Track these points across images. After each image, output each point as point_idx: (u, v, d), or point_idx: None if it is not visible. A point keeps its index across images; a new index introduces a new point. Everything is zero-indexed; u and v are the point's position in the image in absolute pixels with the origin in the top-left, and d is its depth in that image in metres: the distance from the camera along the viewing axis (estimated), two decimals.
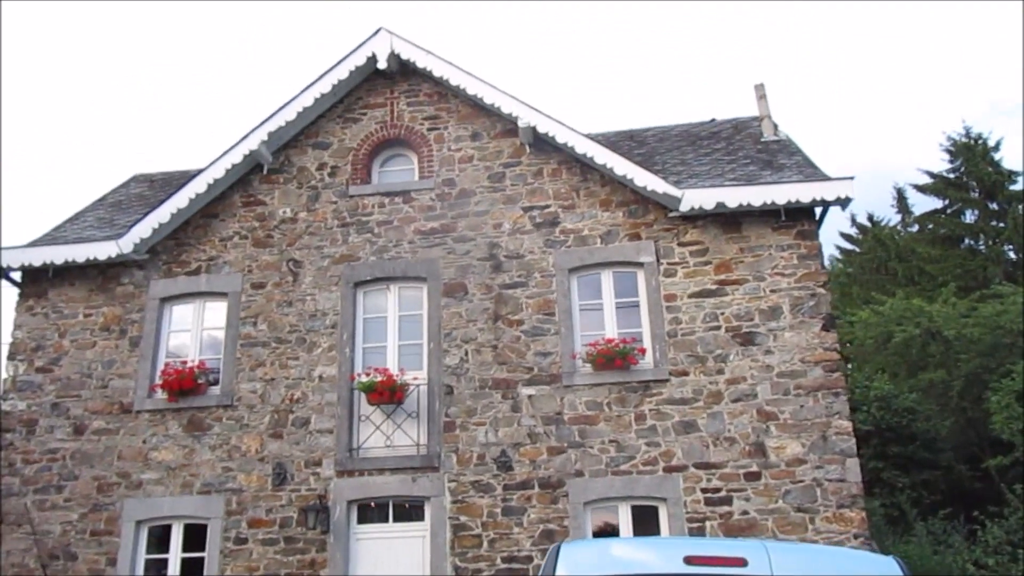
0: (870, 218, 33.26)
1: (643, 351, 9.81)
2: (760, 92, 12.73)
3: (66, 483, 10.18)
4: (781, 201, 9.87)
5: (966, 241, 27.18)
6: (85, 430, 10.38)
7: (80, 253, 10.67)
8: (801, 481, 9.24)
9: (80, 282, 11.02)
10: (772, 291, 9.93)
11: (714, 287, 10.02)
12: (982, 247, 26.45)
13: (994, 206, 26.47)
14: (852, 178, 9.88)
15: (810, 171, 10.60)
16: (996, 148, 26.73)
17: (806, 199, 9.84)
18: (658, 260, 10.17)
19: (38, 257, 10.80)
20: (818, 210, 10.22)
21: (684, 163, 11.77)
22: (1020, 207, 25.47)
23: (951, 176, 27.81)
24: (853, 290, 30.20)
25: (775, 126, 12.41)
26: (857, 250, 33.38)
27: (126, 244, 10.59)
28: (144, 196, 12.96)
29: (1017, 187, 26.00)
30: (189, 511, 9.89)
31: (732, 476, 9.35)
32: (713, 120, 13.53)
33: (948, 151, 27.90)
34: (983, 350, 21.04)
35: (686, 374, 9.73)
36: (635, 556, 3.42)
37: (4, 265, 10.73)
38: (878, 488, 20.67)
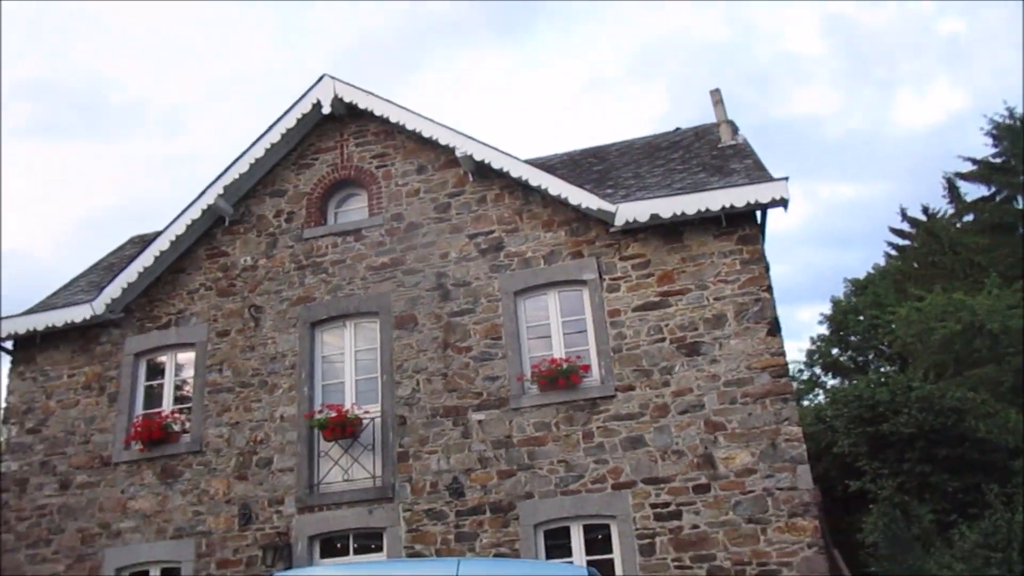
0: (925, 210, 32.28)
1: (586, 368, 9.96)
2: (716, 97, 12.82)
3: (54, 537, 10.93)
4: (715, 207, 9.94)
5: (1020, 229, 26.11)
6: (70, 485, 11.12)
7: (59, 318, 11.52)
8: (751, 492, 9.19)
9: (64, 345, 11.87)
10: (716, 299, 9.97)
11: (657, 299, 10.12)
12: None
13: None
14: (786, 179, 9.88)
15: (757, 174, 10.61)
16: None
17: (740, 203, 9.88)
18: (600, 276, 10.33)
19: (23, 325, 11.70)
20: (759, 213, 10.21)
21: (637, 176, 11.91)
22: None
23: (997, 161, 26.84)
24: (907, 287, 29.30)
25: (734, 131, 12.45)
26: (912, 245, 32.44)
27: (99, 306, 11.37)
28: (135, 257, 13.75)
29: None
30: (163, 556, 10.48)
31: (681, 490, 9.37)
32: (677, 129, 13.63)
33: (991, 135, 26.96)
34: None
35: (632, 389, 9.82)
36: None
37: None
38: (928, 494, 19.91)
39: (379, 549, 9.99)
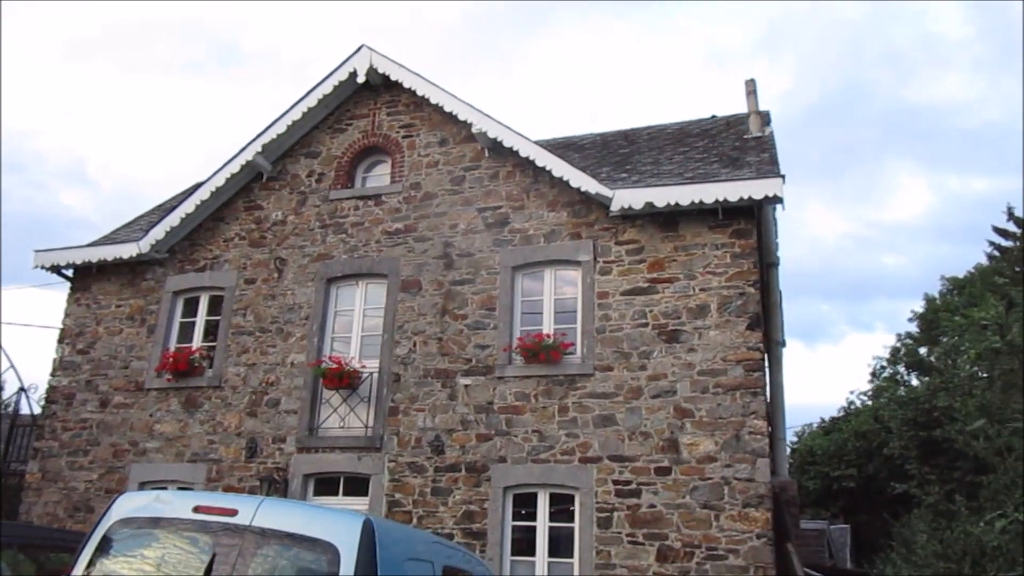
0: None
1: (566, 346, 10.60)
2: (750, 88, 12.99)
3: (91, 448, 12.47)
4: (708, 200, 10.32)
5: None
6: (108, 404, 12.63)
7: (109, 253, 12.96)
8: (710, 479, 9.71)
9: (115, 278, 13.35)
10: (702, 290, 10.40)
11: (646, 285, 10.63)
12: None
13: None
14: (781, 176, 10.14)
15: (766, 169, 10.91)
16: None
17: (733, 198, 10.24)
18: (595, 259, 10.90)
19: (80, 256, 13.21)
20: (764, 210, 10.55)
21: (656, 162, 12.34)
22: None
23: None
24: (1013, 291, 28.19)
25: (764, 123, 12.67)
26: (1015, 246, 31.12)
27: (144, 245, 12.73)
28: (180, 204, 15.11)
29: None
30: (180, 476, 11.83)
31: (643, 470, 9.97)
32: (713, 117, 13.88)
33: None
34: None
35: (610, 369, 10.42)
36: (165, 505, 4.64)
37: (53, 264, 13.18)
38: (977, 505, 19.61)
39: (364, 493, 11.01)
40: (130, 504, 4.70)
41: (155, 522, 4.56)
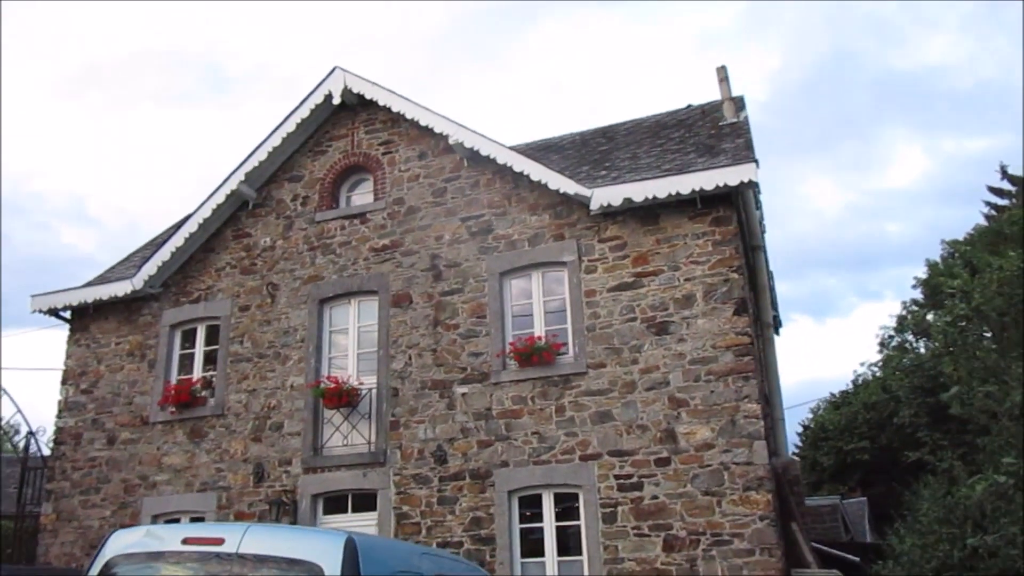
0: None
1: (557, 347, 10.76)
2: (722, 75, 13.11)
3: (102, 485, 12.68)
4: (685, 191, 10.46)
5: None
6: (116, 440, 12.84)
7: (105, 292, 13.18)
8: (709, 465, 9.86)
9: (112, 316, 13.56)
10: (686, 280, 10.55)
11: (631, 280, 10.78)
12: None
13: None
14: (755, 161, 10.28)
15: (742, 155, 11.04)
16: None
17: (709, 187, 10.38)
18: (580, 258, 11.06)
19: (77, 297, 13.43)
20: (744, 195, 10.71)
21: (634, 157, 12.49)
22: None
23: None
24: (1006, 252, 28.22)
25: (738, 108, 12.80)
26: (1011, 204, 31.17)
27: (138, 282, 12.94)
28: (170, 238, 15.29)
29: None
30: (191, 506, 12.03)
31: (643, 463, 10.12)
32: (689, 106, 14.03)
33: None
34: None
35: (603, 366, 10.58)
36: (156, 540, 4.83)
37: (51, 307, 13.40)
38: (992, 468, 19.71)
39: (372, 508, 11.19)
40: (123, 541, 4.90)
41: (153, 556, 4.75)
